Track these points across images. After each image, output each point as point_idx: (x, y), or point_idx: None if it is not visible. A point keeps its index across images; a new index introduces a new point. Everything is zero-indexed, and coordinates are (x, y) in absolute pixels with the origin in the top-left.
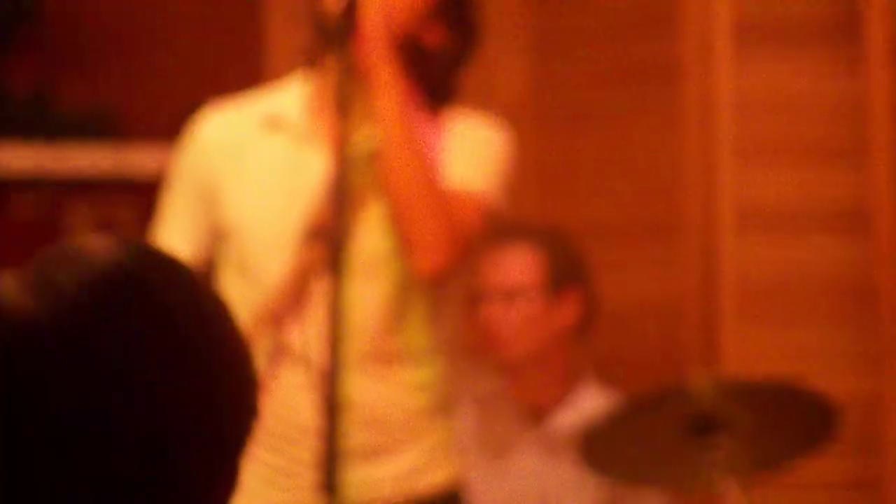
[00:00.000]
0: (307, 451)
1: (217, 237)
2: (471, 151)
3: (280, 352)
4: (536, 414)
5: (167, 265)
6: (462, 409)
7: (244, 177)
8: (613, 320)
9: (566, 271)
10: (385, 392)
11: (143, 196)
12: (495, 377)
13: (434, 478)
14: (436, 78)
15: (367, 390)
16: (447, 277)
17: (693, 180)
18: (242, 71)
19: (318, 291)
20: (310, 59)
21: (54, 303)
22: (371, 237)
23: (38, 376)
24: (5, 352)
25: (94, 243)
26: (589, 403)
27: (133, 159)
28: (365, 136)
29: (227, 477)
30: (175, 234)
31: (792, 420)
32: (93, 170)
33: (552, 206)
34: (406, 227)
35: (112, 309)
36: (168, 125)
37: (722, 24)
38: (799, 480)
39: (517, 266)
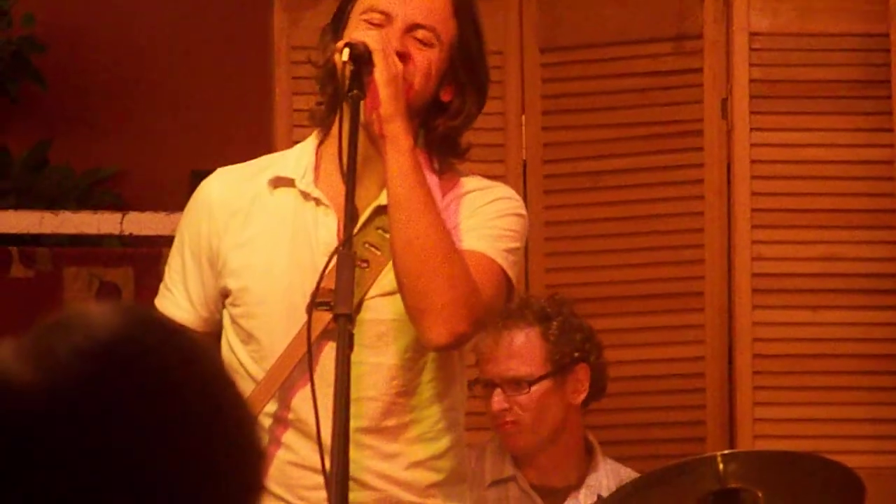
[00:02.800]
0: None
1: (223, 301)
2: (484, 216)
3: (284, 422)
4: (552, 500)
5: (168, 333)
6: (479, 492)
7: (250, 241)
8: (632, 388)
9: (572, 352)
10: (392, 468)
11: (143, 260)
12: (511, 461)
13: None
14: (446, 137)
15: (371, 466)
16: (457, 348)
17: (715, 245)
18: (250, 136)
19: (325, 361)
20: (320, 121)
21: (50, 372)
22: (381, 305)
23: (28, 447)
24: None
25: (93, 311)
26: (605, 483)
27: (134, 223)
28: (376, 198)
29: None
30: (181, 299)
31: (816, 493)
32: (93, 233)
33: (563, 271)
34: (414, 291)
35: (109, 379)
36: (171, 190)
37: (742, 87)
38: None
39: (522, 356)
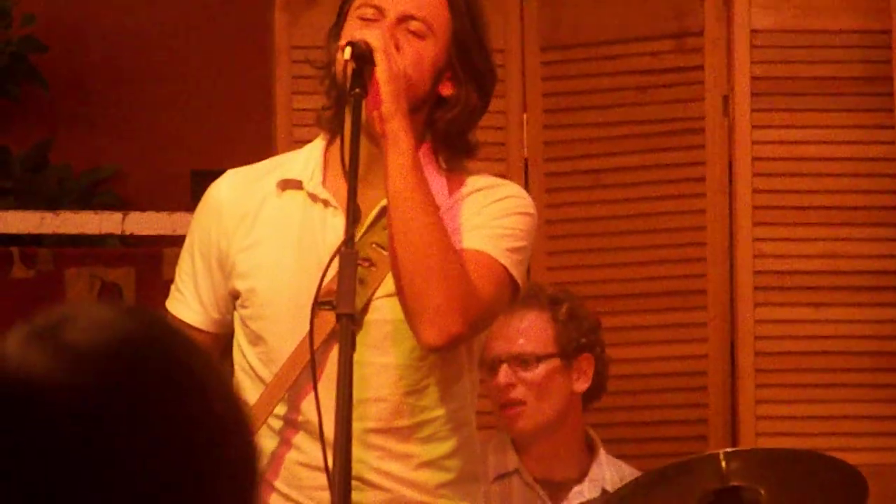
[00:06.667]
0: None
1: (234, 303)
2: (489, 215)
3: (294, 424)
4: (554, 493)
5: (169, 332)
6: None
7: (258, 243)
8: (635, 386)
9: (579, 338)
10: (401, 469)
11: (144, 260)
12: (514, 454)
13: None
14: (449, 133)
15: (380, 467)
16: (452, 349)
17: (717, 243)
18: (250, 135)
19: (332, 362)
20: (326, 123)
21: (75, 369)
22: (387, 306)
23: (53, 445)
24: (20, 411)
25: (101, 308)
26: (608, 476)
27: (135, 223)
28: (383, 198)
29: None
30: (191, 300)
31: (818, 491)
32: (94, 233)
33: (565, 269)
34: (409, 291)
35: (133, 377)
36: (171, 190)
37: (743, 84)
38: None
39: (530, 334)
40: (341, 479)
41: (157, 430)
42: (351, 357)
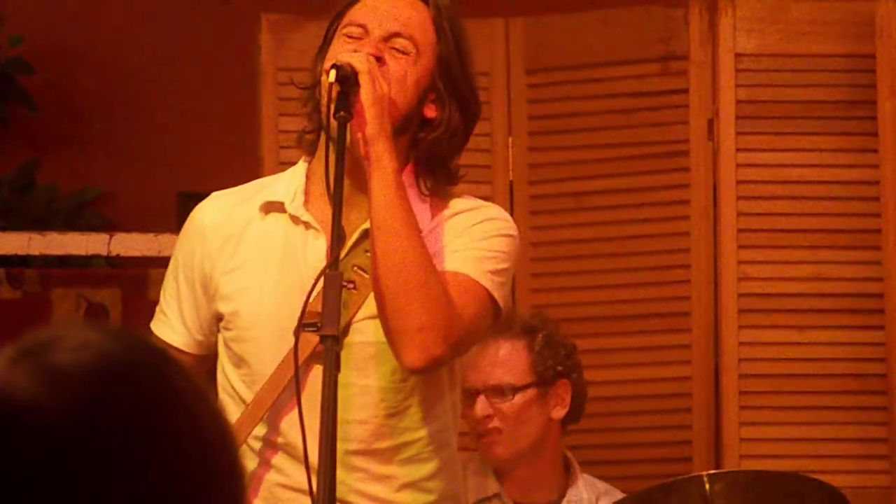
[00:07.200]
0: None
1: (218, 325)
2: (471, 238)
3: (274, 445)
4: None
5: (155, 353)
6: None
7: (241, 266)
8: (619, 408)
9: (555, 365)
10: (383, 490)
11: (131, 281)
12: (494, 479)
13: None
14: (433, 156)
15: (362, 489)
16: (433, 371)
17: (701, 266)
18: (236, 157)
19: (313, 383)
20: (308, 145)
21: (64, 392)
22: (368, 328)
23: (44, 469)
24: (6, 433)
25: (87, 330)
26: (585, 496)
27: (122, 244)
28: (365, 221)
29: None
30: (176, 322)
31: None
32: (81, 254)
33: (549, 291)
34: (391, 313)
35: (123, 400)
36: (158, 211)
37: (728, 108)
38: None
39: (506, 364)
40: (325, 501)
41: (145, 451)
42: (336, 378)
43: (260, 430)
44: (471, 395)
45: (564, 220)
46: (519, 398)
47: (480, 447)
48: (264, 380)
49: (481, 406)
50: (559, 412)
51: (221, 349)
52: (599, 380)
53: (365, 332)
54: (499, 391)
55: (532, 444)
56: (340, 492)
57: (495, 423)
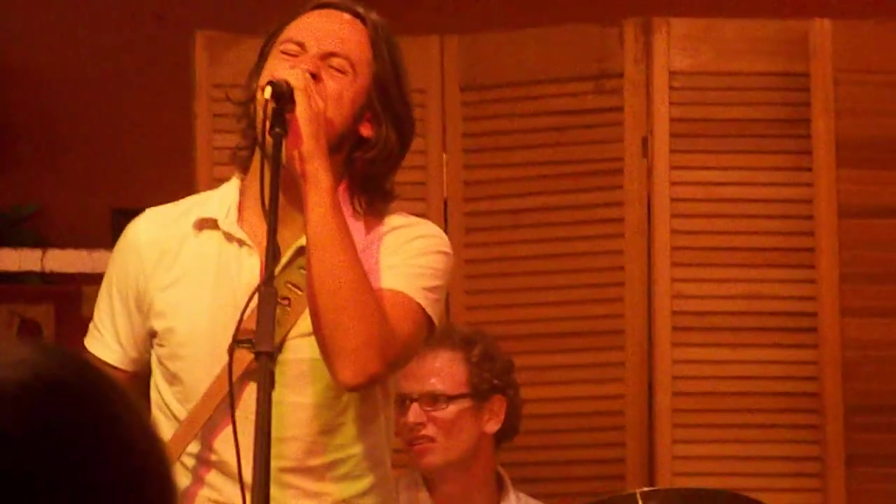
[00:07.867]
0: None
1: (151, 342)
2: (405, 255)
3: (207, 463)
4: None
5: (88, 370)
6: None
7: (175, 283)
8: (553, 425)
9: (491, 379)
10: None
11: (64, 297)
12: (426, 493)
13: None
14: (368, 175)
15: None
16: (369, 388)
17: (635, 283)
18: (170, 173)
19: (247, 400)
20: (242, 162)
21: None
22: (301, 345)
23: None
24: None
25: (19, 346)
26: None
27: (55, 260)
28: (299, 238)
29: None
30: (110, 339)
31: None
32: (14, 270)
33: (484, 308)
34: (327, 331)
35: (62, 417)
36: (91, 227)
37: (662, 126)
38: None
39: (443, 373)
40: None
41: (79, 468)
42: (270, 395)
43: (193, 447)
44: (404, 402)
45: (499, 237)
46: (453, 407)
47: (411, 455)
48: (198, 397)
49: (414, 413)
50: (492, 426)
51: (155, 366)
52: (533, 397)
53: (298, 349)
54: (433, 399)
55: (463, 455)
56: None
57: (427, 430)
